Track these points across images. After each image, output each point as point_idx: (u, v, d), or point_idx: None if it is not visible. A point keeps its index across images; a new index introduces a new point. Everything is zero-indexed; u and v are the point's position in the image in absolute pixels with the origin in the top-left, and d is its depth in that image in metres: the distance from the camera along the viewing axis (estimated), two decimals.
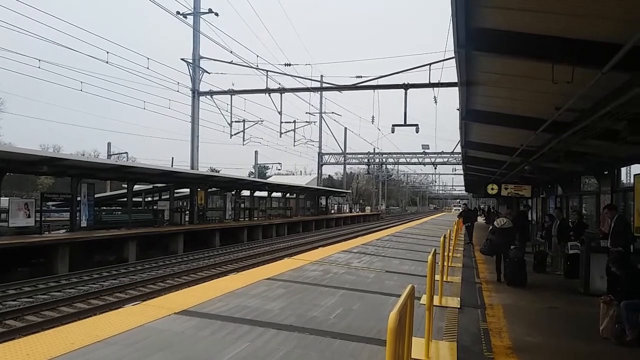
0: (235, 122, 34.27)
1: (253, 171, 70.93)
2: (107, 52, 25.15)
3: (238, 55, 30.73)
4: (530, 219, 21.79)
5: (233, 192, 36.65)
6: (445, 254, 10.18)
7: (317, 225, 49.83)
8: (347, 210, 77.62)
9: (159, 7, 23.86)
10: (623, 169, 12.32)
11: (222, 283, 9.18)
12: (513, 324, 7.06)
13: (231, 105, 32.37)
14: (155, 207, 31.37)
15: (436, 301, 7.55)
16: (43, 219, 20.16)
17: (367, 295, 8.50)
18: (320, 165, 63.74)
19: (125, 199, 27.53)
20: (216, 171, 68.05)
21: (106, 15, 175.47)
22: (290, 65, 30.03)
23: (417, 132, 27.14)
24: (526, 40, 6.21)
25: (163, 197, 34.79)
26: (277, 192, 47.99)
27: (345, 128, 66.96)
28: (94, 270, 17.97)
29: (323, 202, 62.54)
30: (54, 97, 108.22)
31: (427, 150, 59.87)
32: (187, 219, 29.79)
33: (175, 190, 30.75)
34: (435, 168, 66.39)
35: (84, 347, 4.79)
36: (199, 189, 30.61)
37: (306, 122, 46.44)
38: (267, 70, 29.32)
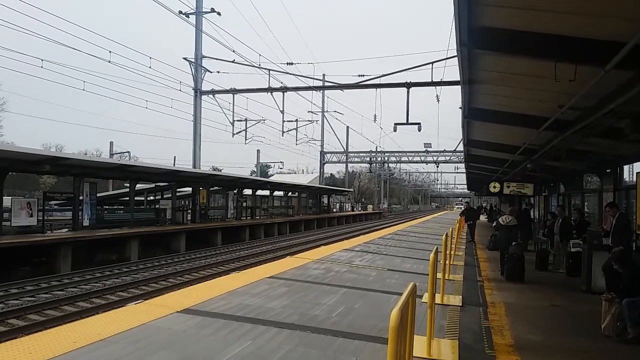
0: (238, 121, 34.34)
1: (255, 170, 70.96)
2: (110, 52, 24.98)
3: (240, 55, 30.80)
4: (532, 217, 21.76)
5: (235, 191, 36.67)
6: (447, 252, 10.17)
7: (319, 224, 49.85)
8: (349, 209, 77.62)
9: (162, 6, 23.87)
10: (626, 167, 12.31)
11: (224, 282, 9.19)
12: (515, 322, 7.05)
13: (233, 104, 32.44)
14: (157, 206, 31.42)
15: (438, 299, 7.55)
16: (45, 218, 20.20)
17: (369, 293, 8.50)
18: (322, 164, 63.78)
19: (128, 198, 27.57)
20: (218, 170, 68.05)
21: (109, 14, 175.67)
22: (292, 64, 30.11)
23: (419, 130, 27.10)
24: (528, 38, 6.20)
25: (165, 196, 34.82)
26: (279, 190, 47.99)
27: (348, 127, 67.14)
28: (96, 269, 18.01)
29: (325, 200, 62.53)
30: (56, 96, 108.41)
31: (429, 149, 59.87)
32: (189, 218, 29.83)
33: (178, 189, 30.79)
34: (438, 166, 66.27)
35: (86, 345, 4.80)
36: (201, 188, 30.63)
37: (308, 121, 46.45)
38: (269, 69, 29.36)
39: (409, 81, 25.68)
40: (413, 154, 64.09)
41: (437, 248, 5.83)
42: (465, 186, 69.98)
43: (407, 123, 25.93)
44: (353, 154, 67.86)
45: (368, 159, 68.50)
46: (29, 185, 60.74)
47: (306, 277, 9.69)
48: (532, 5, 5.45)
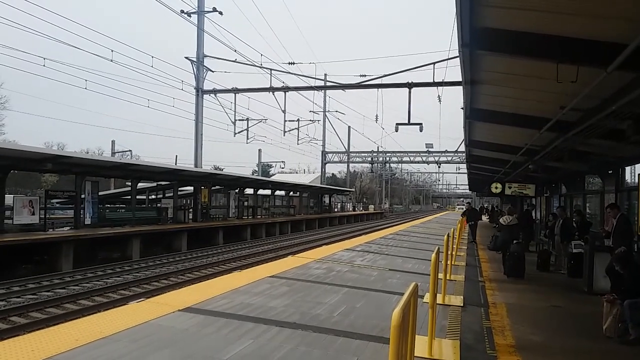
0: (239, 120, 34.38)
1: (256, 169, 70.97)
2: (112, 51, 25.08)
3: (242, 54, 30.78)
4: (534, 218, 21.77)
5: (236, 190, 36.68)
6: (449, 252, 10.18)
7: (321, 223, 49.86)
8: (351, 209, 77.60)
9: (164, 5, 23.87)
10: (627, 169, 12.30)
11: (225, 280, 9.20)
12: (516, 323, 7.06)
13: (235, 104, 32.49)
14: (159, 204, 31.44)
15: (439, 299, 7.56)
16: (47, 216, 20.24)
17: (371, 293, 8.51)
18: (323, 164, 63.82)
19: (129, 197, 27.61)
20: (220, 169, 68.06)
21: (111, 13, 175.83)
22: (294, 64, 30.14)
23: (421, 130, 27.13)
24: (530, 39, 6.21)
25: (167, 195, 34.84)
26: (280, 190, 48.00)
27: (349, 127, 67.17)
28: (98, 267, 18.03)
29: (326, 200, 62.54)
30: (58, 95, 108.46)
31: (430, 149, 59.85)
32: (190, 217, 29.86)
33: (179, 188, 30.81)
34: (439, 167, 66.25)
35: (88, 343, 4.81)
36: (202, 187, 30.65)
37: (310, 120, 46.47)
38: (271, 69, 29.42)
39: (410, 81, 25.71)
40: (415, 154, 64.07)
41: (438, 248, 5.84)
42: (467, 187, 69.96)
43: (409, 123, 25.94)
44: (355, 154, 67.90)
45: (370, 159, 68.48)
46: (31, 184, 60.81)
47: (307, 277, 9.70)
48: (534, 6, 5.46)
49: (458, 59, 7.51)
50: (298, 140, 44.33)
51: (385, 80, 26.93)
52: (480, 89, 9.29)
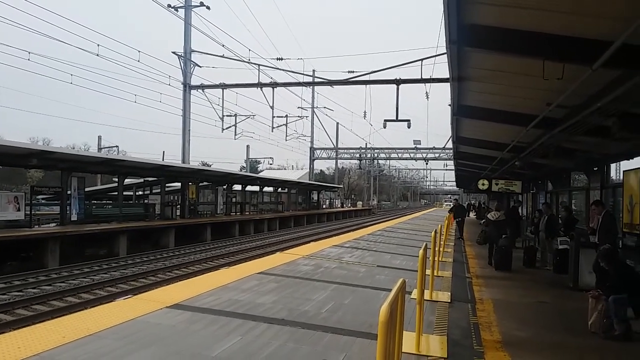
0: (227, 116, 34.16)
1: (245, 165, 70.75)
2: (98, 45, 24.71)
3: (230, 49, 30.53)
4: (520, 214, 21.92)
5: (224, 187, 36.58)
6: (436, 248, 10.23)
7: (309, 220, 49.88)
8: (339, 205, 77.68)
9: None
10: (612, 165, 12.45)
11: (213, 277, 9.18)
12: (503, 319, 7.12)
13: (223, 99, 32.27)
14: (146, 201, 31.27)
15: (427, 295, 7.59)
16: (33, 212, 20.05)
17: (359, 289, 8.53)
18: (312, 160, 63.78)
19: (116, 193, 27.44)
20: (208, 165, 67.92)
21: (96, 7, 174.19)
22: (282, 59, 30.00)
23: (408, 127, 27.17)
24: (517, 36, 6.24)
25: (154, 191, 34.68)
26: (268, 186, 47.97)
27: (337, 123, 67.08)
28: (85, 264, 17.91)
29: (315, 197, 62.57)
30: (43, 89, 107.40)
31: (418, 146, 60.12)
32: (178, 213, 29.73)
33: (167, 184, 30.66)
34: (427, 163, 66.85)
35: (75, 340, 4.79)
36: (190, 183, 30.52)
37: (298, 116, 46.45)
38: (259, 65, 29.28)
39: (398, 78, 25.74)
40: (402, 150, 64.34)
41: (426, 244, 5.87)
42: (454, 183, 70.28)
43: (397, 120, 25.98)
44: (343, 150, 68.01)
45: (358, 155, 68.68)
46: (16, 180, 60.20)
47: (296, 273, 9.71)
48: (521, 3, 5.48)
49: (446, 55, 7.53)
50: (286, 136, 44.31)
51: (373, 77, 26.90)
52: (468, 86, 9.32)
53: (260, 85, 30.05)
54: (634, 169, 9.68)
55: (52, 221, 23.20)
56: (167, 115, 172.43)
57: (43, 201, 29.70)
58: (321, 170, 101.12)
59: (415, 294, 6.54)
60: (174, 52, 31.96)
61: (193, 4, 30.96)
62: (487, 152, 17.16)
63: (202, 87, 32.55)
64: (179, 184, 31.88)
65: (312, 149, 63.02)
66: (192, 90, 32.71)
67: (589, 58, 5.76)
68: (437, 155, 60.84)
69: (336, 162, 75.52)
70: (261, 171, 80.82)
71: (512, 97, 9.77)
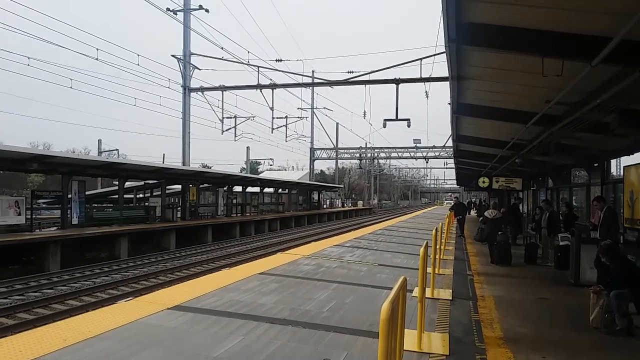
0: (227, 118, 34.20)
1: (245, 167, 70.79)
2: (97, 49, 24.71)
3: (229, 52, 30.70)
4: (521, 211, 21.92)
5: (225, 188, 36.58)
6: (437, 246, 10.23)
7: (310, 220, 49.88)
8: (340, 205, 77.67)
9: (149, 3, 23.74)
10: (613, 161, 12.41)
11: (214, 278, 9.18)
12: (504, 315, 7.11)
13: (222, 101, 32.31)
14: (146, 203, 31.27)
15: (428, 293, 7.60)
16: (34, 216, 20.07)
17: (360, 288, 8.53)
18: (312, 161, 63.76)
19: (117, 196, 27.43)
20: (208, 167, 67.85)
21: (96, 12, 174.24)
22: (281, 61, 30.04)
23: (408, 126, 27.25)
24: (516, 34, 6.23)
25: (155, 193, 34.69)
26: (269, 187, 47.96)
27: (337, 123, 67.01)
28: (86, 267, 17.91)
29: (315, 197, 62.56)
30: (43, 94, 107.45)
31: (418, 145, 60.13)
32: (179, 215, 29.73)
33: (167, 187, 30.67)
34: (427, 162, 66.70)
35: (76, 343, 4.79)
36: (190, 185, 30.53)
37: (298, 117, 46.47)
38: (258, 66, 29.32)
39: (398, 77, 25.80)
40: (403, 149, 64.30)
41: (427, 242, 5.86)
42: (455, 181, 70.31)
43: (397, 119, 26.04)
44: (343, 150, 67.96)
45: (358, 155, 68.66)
46: (17, 184, 60.24)
47: (297, 273, 9.71)
48: (519, 1, 5.48)
49: (445, 54, 7.53)
50: (286, 137, 44.31)
51: (372, 77, 26.94)
52: (467, 84, 9.32)
53: (259, 86, 30.08)
54: (634, 165, 9.65)
55: (53, 225, 23.20)
56: (167, 118, 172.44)
57: (44, 205, 29.75)
58: (321, 170, 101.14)
59: (416, 292, 6.54)
60: (173, 55, 32.00)
61: (192, 7, 30.99)
62: (487, 149, 17.15)
63: (202, 89, 32.58)
64: (180, 186, 31.89)
65: (312, 150, 63.02)
66: (191, 93, 32.75)
67: (588, 54, 5.75)
68: (437, 153, 60.81)
69: (336, 162, 75.44)
70: (261, 172, 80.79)
71: (512, 95, 9.77)
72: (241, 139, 37.72)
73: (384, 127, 27.11)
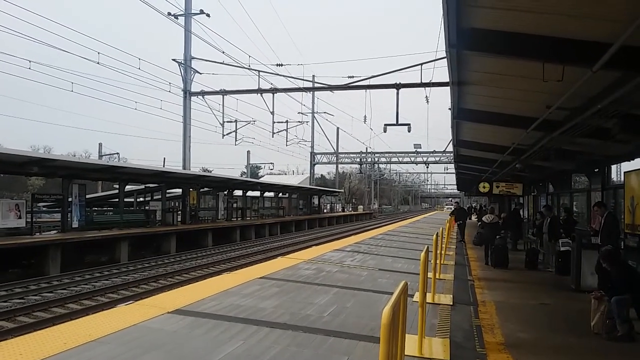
0: (227, 122, 34.22)
1: (245, 171, 70.84)
2: (98, 53, 24.73)
3: (230, 56, 30.71)
4: (522, 216, 21.92)
5: (225, 192, 36.60)
6: (438, 251, 10.22)
7: (310, 224, 49.87)
8: (340, 210, 77.65)
9: (151, 7, 23.78)
10: (613, 167, 12.43)
11: (215, 282, 9.18)
12: (505, 321, 7.11)
13: (223, 106, 32.32)
14: (147, 207, 31.27)
15: (429, 298, 7.59)
16: (34, 220, 20.08)
17: (361, 293, 8.52)
18: (312, 165, 63.79)
19: (117, 200, 27.44)
20: (208, 171, 67.87)
21: (97, 15, 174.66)
22: (282, 65, 30.06)
23: (409, 131, 27.26)
24: (516, 39, 6.25)
25: (155, 197, 34.71)
26: (269, 191, 47.98)
27: (338, 128, 67.07)
28: (86, 270, 17.90)
29: (316, 201, 62.55)
30: (44, 98, 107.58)
31: (419, 150, 60.22)
32: (179, 219, 29.73)
33: (167, 191, 30.67)
34: (427, 167, 66.67)
35: (77, 346, 4.78)
36: (191, 189, 30.54)
37: (298, 122, 46.45)
38: (259, 71, 29.33)
39: (398, 82, 25.82)
40: (403, 154, 64.38)
41: (427, 247, 5.86)
42: (455, 186, 70.27)
43: (397, 124, 26.06)
44: (343, 155, 68.00)
45: (358, 159, 68.78)
46: (18, 187, 60.30)
47: (297, 277, 9.69)
48: (520, 6, 5.49)
49: (445, 59, 7.54)
50: (287, 141, 44.32)
51: (373, 81, 26.98)
52: (468, 89, 9.33)
53: (260, 91, 30.11)
54: (634, 170, 9.67)
55: (54, 228, 23.20)
56: (168, 122, 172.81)
57: (44, 209, 29.75)
58: (322, 174, 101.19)
59: (417, 297, 6.53)
60: (174, 60, 32.07)
61: (193, 11, 31.07)
62: (488, 154, 17.15)
63: (203, 93, 32.63)
64: (180, 190, 31.90)
65: (313, 154, 63.04)
66: (192, 97, 32.80)
67: (589, 60, 5.76)
68: (437, 158, 60.89)
69: (337, 167, 75.49)
70: (262, 176, 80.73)
71: (512, 100, 9.78)
72: (242, 143, 37.67)
73: (385, 132, 27.11)
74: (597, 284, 7.78)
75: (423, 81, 24.25)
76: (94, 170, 23.91)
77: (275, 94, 31.25)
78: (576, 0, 5.07)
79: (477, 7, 5.66)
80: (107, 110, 66.57)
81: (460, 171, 30.54)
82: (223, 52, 30.33)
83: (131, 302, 7.70)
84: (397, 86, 25.65)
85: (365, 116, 33.74)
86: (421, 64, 23.47)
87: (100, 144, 48.85)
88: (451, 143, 18.03)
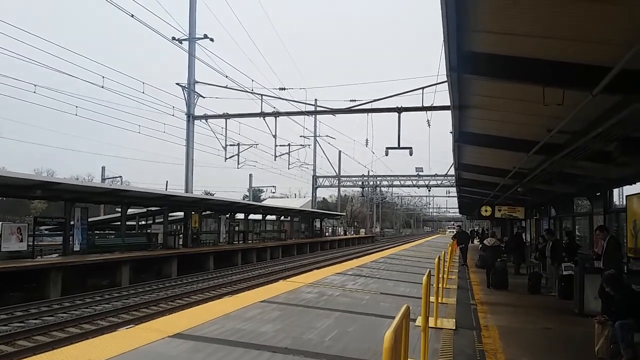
0: (230, 145, 34.37)
1: (247, 194, 70.88)
2: (103, 77, 24.96)
3: (233, 80, 30.99)
4: (524, 240, 21.83)
5: (227, 215, 36.58)
6: (440, 275, 10.17)
7: (312, 247, 49.69)
8: (342, 233, 77.44)
9: (155, 32, 24.12)
10: (615, 190, 12.43)
11: (216, 306, 9.13)
12: (508, 345, 7.04)
13: (226, 129, 32.55)
14: (149, 230, 31.26)
15: (431, 323, 7.54)
16: (36, 243, 20.06)
17: (363, 317, 8.46)
18: (314, 188, 63.85)
19: (119, 223, 27.44)
20: (210, 194, 67.95)
21: (102, 40, 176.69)
22: (284, 89, 30.34)
23: (410, 154, 27.27)
24: (517, 63, 6.30)
25: (157, 220, 34.70)
26: (271, 215, 47.92)
27: (340, 151, 67.27)
28: (87, 294, 17.81)
29: (318, 224, 62.44)
30: (49, 121, 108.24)
31: (421, 173, 60.23)
32: (181, 243, 29.67)
33: (170, 214, 30.68)
34: (429, 190, 66.69)
35: None
36: (193, 213, 30.54)
37: (300, 145, 46.60)
38: (261, 95, 29.58)
39: (400, 106, 25.94)
40: (405, 178, 64.46)
41: (429, 271, 5.84)
42: (457, 210, 70.17)
43: (399, 147, 26.10)
44: (345, 178, 68.08)
45: (360, 183, 68.77)
46: (20, 210, 60.35)
47: (299, 301, 9.64)
48: (520, 31, 5.56)
49: (446, 83, 7.61)
50: (289, 164, 44.39)
51: (375, 105, 27.15)
52: (469, 113, 9.38)
53: (262, 114, 30.31)
54: (637, 194, 9.67)
55: (55, 252, 23.16)
56: (171, 145, 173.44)
57: (46, 232, 29.77)
58: (324, 198, 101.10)
59: (419, 321, 6.48)
60: (178, 84, 32.36)
61: (197, 36, 31.43)
62: (490, 178, 17.17)
63: (206, 117, 32.84)
64: (182, 213, 31.91)
65: (315, 177, 63.14)
66: (195, 121, 32.99)
67: (588, 84, 5.79)
68: (439, 182, 60.95)
69: (339, 190, 75.58)
70: (264, 199, 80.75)
71: (513, 124, 9.83)
72: (244, 167, 37.75)
73: (386, 155, 27.12)
74: (601, 308, 7.72)
75: (424, 105, 24.40)
76: (96, 194, 23.98)
77: (277, 118, 31.44)
78: (575, 25, 5.13)
79: (477, 31, 5.73)
80: (110, 134, 66.95)
81: (462, 194, 30.52)
82: (226, 76, 30.57)
83: (131, 325, 7.66)
84: (399, 110, 25.77)
85: (367, 139, 33.91)
86: (422, 88, 23.68)
87: (103, 167, 49.13)
88: (453, 166, 18.07)
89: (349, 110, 28.23)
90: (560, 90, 6.33)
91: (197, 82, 32.84)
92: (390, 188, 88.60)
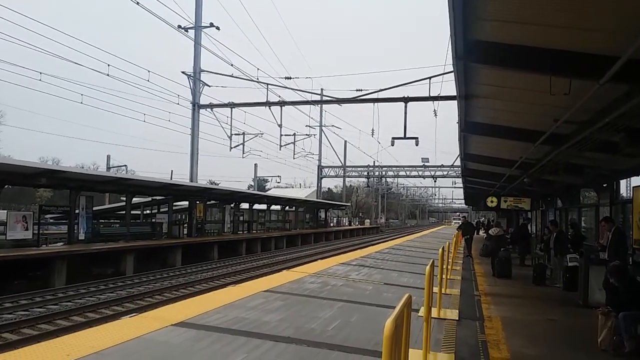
0: (235, 134, 34.35)
1: (252, 184, 70.91)
2: (108, 65, 24.91)
3: (239, 68, 30.91)
4: (530, 231, 21.78)
5: (232, 205, 36.61)
6: (444, 266, 10.14)
7: (316, 238, 49.72)
8: (347, 223, 77.49)
9: (161, 20, 24.06)
10: (622, 182, 12.34)
11: (219, 295, 9.13)
12: (512, 336, 7.01)
13: (231, 118, 32.51)
14: (153, 220, 31.32)
15: (434, 313, 7.51)
16: (41, 231, 20.13)
17: (366, 307, 8.46)
18: (319, 178, 63.75)
19: (124, 212, 27.51)
20: (215, 184, 68.04)
21: (107, 28, 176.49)
22: (290, 78, 30.19)
23: (416, 145, 27.18)
24: (524, 52, 6.24)
25: (162, 209, 34.75)
26: (276, 205, 47.93)
27: (345, 141, 67.21)
28: (91, 283, 17.88)
29: (322, 215, 62.46)
30: (54, 109, 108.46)
31: (426, 164, 60.05)
32: (185, 232, 29.72)
33: (174, 203, 30.71)
34: (435, 181, 66.53)
35: (79, 358, 4.75)
36: (197, 202, 30.57)
37: (306, 135, 46.47)
38: (267, 84, 29.51)
39: (406, 96, 25.84)
40: (410, 168, 64.25)
41: (433, 261, 5.81)
42: (463, 201, 70.07)
43: (405, 137, 26.00)
44: (351, 168, 67.98)
45: (366, 173, 68.65)
46: (25, 199, 60.53)
47: (302, 291, 9.64)
48: (527, 19, 5.49)
49: (453, 73, 7.54)
50: (294, 154, 44.36)
51: (381, 95, 27.00)
52: (475, 102, 9.31)
53: (268, 104, 30.24)
54: None
55: (60, 240, 23.25)
56: (176, 134, 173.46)
57: (51, 220, 29.86)
58: (329, 188, 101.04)
59: (422, 311, 6.46)
60: (183, 72, 32.31)
61: (203, 24, 31.32)
62: (496, 168, 17.10)
63: (211, 106, 32.81)
64: (187, 202, 31.94)
65: (320, 167, 63.06)
66: (201, 110, 32.96)
67: (595, 73, 5.74)
68: (445, 172, 60.73)
69: (344, 180, 75.58)
70: (269, 189, 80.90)
71: (520, 114, 9.75)
72: (249, 156, 37.86)
73: (392, 145, 27.02)
74: (605, 300, 7.68)
75: (431, 94, 24.28)
76: (101, 182, 23.97)
77: (283, 107, 31.35)
78: (582, 13, 5.06)
79: (484, 20, 5.66)
80: (115, 122, 66.98)
81: (467, 185, 30.44)
82: (232, 65, 30.45)
83: (135, 314, 7.67)
84: (406, 100, 25.67)
85: (373, 129, 33.75)
86: (429, 78, 23.55)
87: (108, 156, 49.03)
88: (459, 157, 18.00)
89: (355, 100, 28.13)
90: (567, 79, 6.28)
91: (203, 70, 32.82)
92: (396, 178, 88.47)
